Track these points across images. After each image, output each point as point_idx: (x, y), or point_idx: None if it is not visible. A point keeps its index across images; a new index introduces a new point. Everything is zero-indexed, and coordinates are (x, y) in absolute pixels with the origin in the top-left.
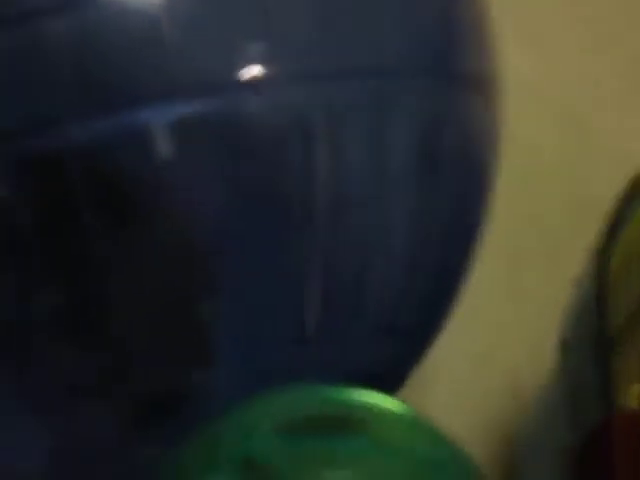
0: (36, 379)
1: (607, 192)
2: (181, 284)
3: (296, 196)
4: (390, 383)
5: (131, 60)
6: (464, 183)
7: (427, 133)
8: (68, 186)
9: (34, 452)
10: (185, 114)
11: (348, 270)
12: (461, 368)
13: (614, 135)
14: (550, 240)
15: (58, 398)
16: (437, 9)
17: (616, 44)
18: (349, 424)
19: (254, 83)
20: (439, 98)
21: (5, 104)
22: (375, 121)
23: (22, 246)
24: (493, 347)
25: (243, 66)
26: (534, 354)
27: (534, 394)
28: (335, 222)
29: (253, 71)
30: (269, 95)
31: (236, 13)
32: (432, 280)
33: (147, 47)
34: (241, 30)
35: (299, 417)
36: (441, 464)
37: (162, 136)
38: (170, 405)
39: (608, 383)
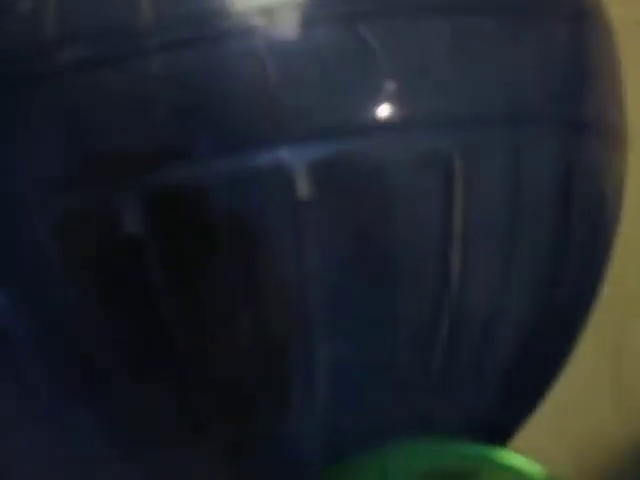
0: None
1: None
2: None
3: (432, 241)
4: (501, 436)
5: (270, 100)
6: (592, 232)
7: (560, 179)
8: (202, 222)
9: None
10: (323, 155)
11: (478, 315)
12: None
13: None
14: None
15: (156, 435)
16: (573, 56)
17: None
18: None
19: (391, 124)
20: (572, 144)
21: (144, 133)
22: (511, 165)
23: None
24: None
25: (380, 107)
26: None
27: None
28: (466, 269)
29: (389, 112)
30: (406, 136)
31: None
32: (560, 323)
33: (289, 86)
34: (377, 70)
35: (428, 470)
36: None
37: (301, 176)
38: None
39: None
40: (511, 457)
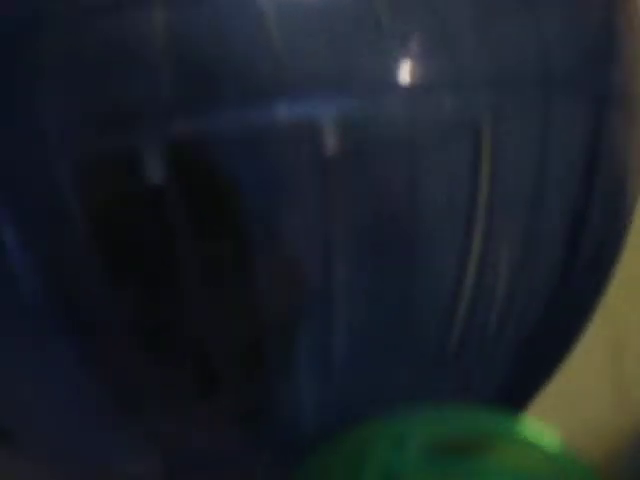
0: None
1: None
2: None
3: (456, 208)
4: (517, 404)
5: (296, 52)
6: (614, 204)
7: (586, 149)
8: (224, 175)
9: (145, 456)
10: (350, 111)
11: (498, 287)
12: None
13: None
14: None
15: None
16: (603, 24)
17: None
18: (488, 448)
19: (418, 85)
20: (600, 113)
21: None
22: (539, 132)
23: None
24: None
25: (406, 67)
26: None
27: None
28: (489, 239)
29: (417, 73)
30: (433, 99)
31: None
32: (578, 294)
33: (317, 41)
34: (404, 30)
35: (442, 438)
36: None
37: (328, 131)
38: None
39: None
40: (528, 427)
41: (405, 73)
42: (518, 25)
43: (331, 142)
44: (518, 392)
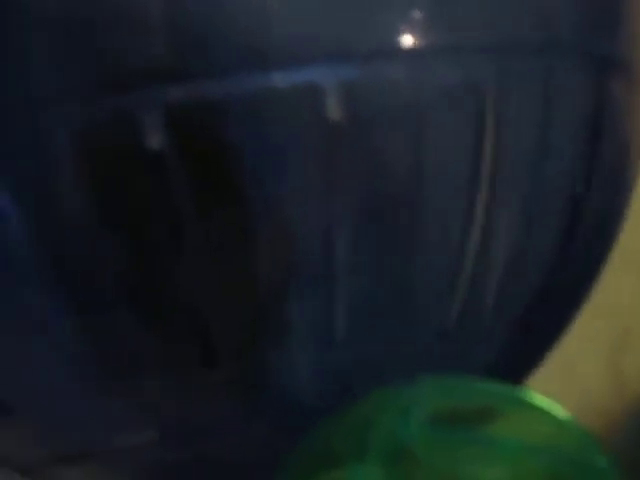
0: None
1: None
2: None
3: (460, 175)
4: (514, 377)
5: (297, 17)
6: (617, 173)
7: (589, 116)
8: (225, 141)
9: (143, 427)
10: (354, 76)
11: (502, 255)
12: None
13: None
14: None
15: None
16: None
17: None
18: (494, 417)
19: (421, 51)
20: (602, 81)
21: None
22: (542, 97)
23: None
24: None
25: (410, 33)
26: None
27: None
28: (492, 206)
29: (420, 38)
30: (436, 64)
31: None
32: (580, 262)
33: (320, 5)
34: None
35: (446, 407)
36: (586, 468)
37: (331, 96)
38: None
39: None
40: (533, 395)
41: (408, 39)
42: None
43: (333, 109)
44: (516, 366)
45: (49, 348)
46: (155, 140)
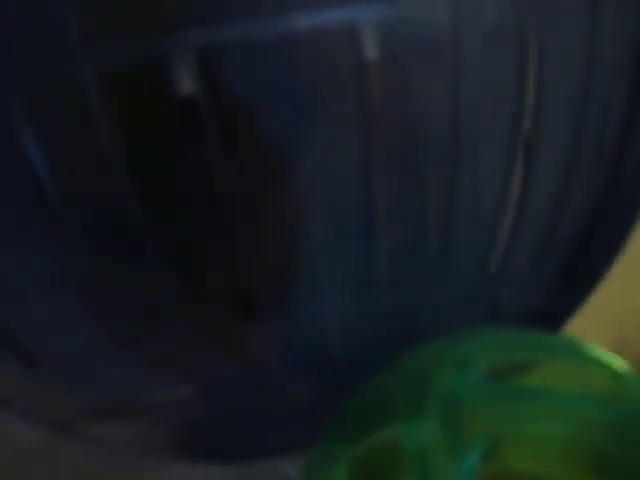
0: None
1: None
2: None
3: (503, 117)
4: (554, 325)
5: None
6: None
7: (634, 52)
8: (260, 83)
9: (178, 383)
10: (391, 15)
11: (544, 201)
12: None
13: None
14: None
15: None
16: None
17: None
18: (548, 368)
19: None
20: None
21: None
22: (586, 33)
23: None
24: None
25: None
26: None
27: None
28: (535, 136)
29: None
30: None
31: None
32: (623, 202)
33: None
34: None
35: (501, 360)
36: None
37: (368, 35)
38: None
39: None
40: (593, 349)
41: None
42: None
43: (370, 48)
44: (556, 314)
45: (79, 297)
46: (186, 84)
